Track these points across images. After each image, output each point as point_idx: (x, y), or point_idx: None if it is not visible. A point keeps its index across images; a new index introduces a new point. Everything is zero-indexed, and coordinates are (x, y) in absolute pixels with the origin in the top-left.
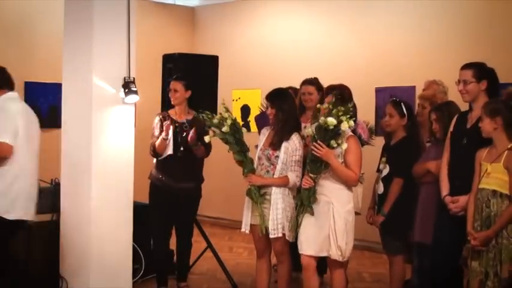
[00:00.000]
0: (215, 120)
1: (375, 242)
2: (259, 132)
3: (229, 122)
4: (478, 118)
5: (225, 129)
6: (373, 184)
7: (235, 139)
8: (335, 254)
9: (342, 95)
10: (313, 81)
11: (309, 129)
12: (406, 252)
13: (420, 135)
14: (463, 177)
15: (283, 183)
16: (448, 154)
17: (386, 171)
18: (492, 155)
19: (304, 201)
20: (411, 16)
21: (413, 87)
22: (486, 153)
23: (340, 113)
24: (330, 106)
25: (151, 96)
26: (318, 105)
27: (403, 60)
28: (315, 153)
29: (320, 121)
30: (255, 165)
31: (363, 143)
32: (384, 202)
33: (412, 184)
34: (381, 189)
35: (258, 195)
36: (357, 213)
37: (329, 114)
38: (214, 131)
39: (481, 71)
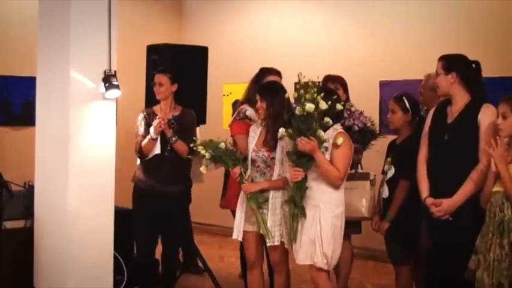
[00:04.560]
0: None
1: (379, 251)
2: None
3: (207, 155)
4: (460, 113)
5: (207, 156)
6: (377, 187)
7: (217, 157)
8: (321, 262)
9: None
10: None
11: (281, 130)
12: (414, 261)
13: None
14: (445, 178)
15: (284, 185)
16: (425, 151)
17: (391, 172)
18: (509, 155)
19: (298, 203)
20: (418, 3)
21: (421, 81)
22: None
23: (314, 94)
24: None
25: (135, 91)
26: (286, 95)
27: (410, 51)
28: (302, 148)
29: (297, 111)
30: (248, 168)
31: (373, 134)
32: (389, 207)
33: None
34: (385, 192)
35: (259, 202)
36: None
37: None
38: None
39: (449, 62)
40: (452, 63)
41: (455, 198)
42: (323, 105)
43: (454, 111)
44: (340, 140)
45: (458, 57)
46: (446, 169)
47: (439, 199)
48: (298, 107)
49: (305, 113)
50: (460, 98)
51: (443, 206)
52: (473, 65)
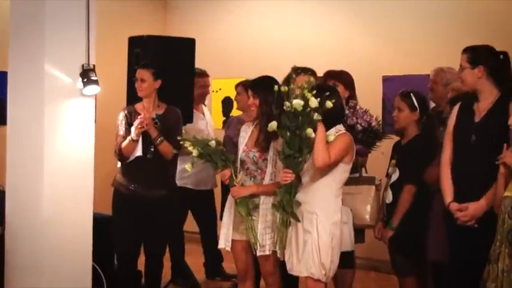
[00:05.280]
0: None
1: (382, 261)
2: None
3: (195, 152)
4: (489, 111)
5: (195, 153)
6: (381, 192)
7: (206, 155)
8: (318, 273)
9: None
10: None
11: (273, 123)
12: (420, 272)
13: (437, 132)
14: (471, 181)
15: (273, 191)
16: (449, 152)
17: (395, 176)
18: None
19: (286, 207)
20: None
21: (428, 76)
22: None
23: (304, 90)
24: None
25: (115, 87)
26: (276, 87)
27: (415, 44)
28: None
29: (285, 107)
30: (239, 171)
31: (379, 135)
32: (393, 213)
33: (426, 192)
34: (389, 197)
35: (248, 208)
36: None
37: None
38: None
39: (476, 55)
40: (478, 55)
41: (481, 202)
42: (313, 103)
43: (481, 109)
44: (331, 137)
45: (484, 48)
46: (473, 172)
47: (465, 204)
48: (286, 103)
49: (293, 110)
50: (488, 94)
51: (469, 211)
52: (501, 56)
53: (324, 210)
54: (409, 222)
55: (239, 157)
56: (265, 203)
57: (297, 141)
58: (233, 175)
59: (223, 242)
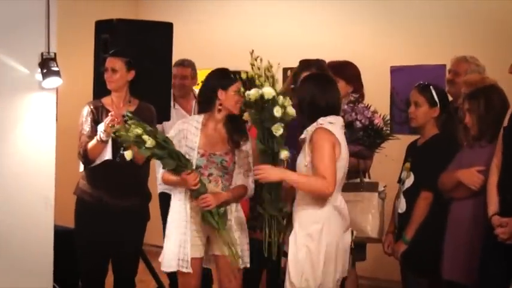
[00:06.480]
0: (129, 135)
1: (390, 281)
2: None
3: (150, 142)
4: None
5: (149, 143)
6: (392, 200)
7: (167, 152)
8: None
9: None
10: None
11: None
12: None
13: (458, 132)
14: None
15: (242, 194)
16: (500, 157)
17: (410, 181)
18: None
19: (268, 210)
20: None
21: (443, 67)
22: None
23: (261, 78)
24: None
25: (80, 79)
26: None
27: (426, 31)
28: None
29: (251, 96)
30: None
31: (381, 134)
32: (406, 224)
33: (445, 200)
34: (402, 206)
35: (220, 217)
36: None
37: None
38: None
39: None
40: None
41: None
42: (267, 94)
43: None
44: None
45: None
46: None
47: (506, 218)
48: (246, 92)
49: (263, 99)
50: None
51: (509, 228)
52: None
53: (300, 219)
54: (425, 235)
55: (195, 162)
56: (238, 210)
57: (266, 135)
58: (203, 180)
59: (178, 262)
